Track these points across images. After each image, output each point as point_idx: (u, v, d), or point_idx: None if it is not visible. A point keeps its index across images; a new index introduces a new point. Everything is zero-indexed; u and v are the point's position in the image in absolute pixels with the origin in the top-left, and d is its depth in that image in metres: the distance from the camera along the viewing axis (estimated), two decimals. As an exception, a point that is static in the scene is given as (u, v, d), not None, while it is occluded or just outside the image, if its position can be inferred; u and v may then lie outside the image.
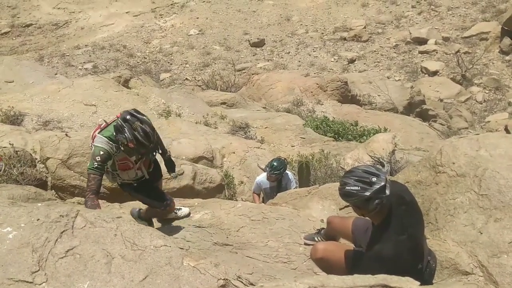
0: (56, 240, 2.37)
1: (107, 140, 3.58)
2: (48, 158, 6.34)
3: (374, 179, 2.86)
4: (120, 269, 2.37)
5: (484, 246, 3.18)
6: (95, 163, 3.54)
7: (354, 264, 3.14)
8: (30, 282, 2.25)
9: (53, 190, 6.34)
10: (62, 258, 2.33)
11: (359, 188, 2.86)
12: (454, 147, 3.82)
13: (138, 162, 3.85)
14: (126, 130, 3.47)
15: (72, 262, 2.36)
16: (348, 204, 3.23)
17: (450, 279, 3.20)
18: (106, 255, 2.39)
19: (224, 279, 2.44)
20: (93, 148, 3.63)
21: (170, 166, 4.40)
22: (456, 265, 3.21)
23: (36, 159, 6.41)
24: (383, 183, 2.88)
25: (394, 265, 2.90)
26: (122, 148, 3.58)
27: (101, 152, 3.54)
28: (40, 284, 2.24)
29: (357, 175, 2.91)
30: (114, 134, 3.56)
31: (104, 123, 3.78)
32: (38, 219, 2.45)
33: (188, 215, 4.57)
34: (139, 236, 2.49)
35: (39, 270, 2.30)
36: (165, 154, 4.25)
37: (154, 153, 3.98)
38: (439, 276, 3.26)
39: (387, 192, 2.89)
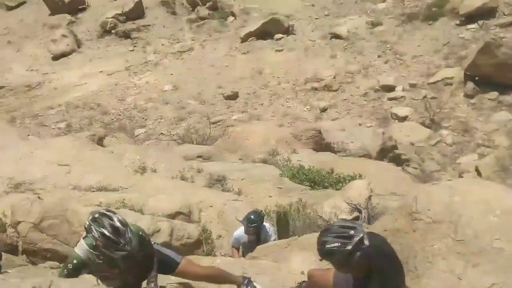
0: (28, 314, 2.26)
1: (88, 249, 3.26)
2: (19, 222, 6.18)
3: (352, 232, 2.87)
4: None
5: (465, 292, 3.18)
6: (65, 271, 3.29)
7: None
8: None
9: (24, 255, 6.13)
10: (34, 333, 2.21)
11: (339, 244, 2.84)
12: (428, 193, 3.89)
13: (123, 273, 3.35)
14: (93, 228, 3.17)
15: (44, 337, 2.25)
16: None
17: (434, 328, 3.17)
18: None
19: None
20: (71, 253, 3.40)
21: None
22: (439, 313, 3.19)
23: (7, 223, 6.23)
24: (361, 235, 2.89)
25: None
26: (101, 259, 3.22)
27: (75, 261, 3.27)
28: None
29: (335, 232, 2.90)
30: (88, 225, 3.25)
31: None
32: (9, 293, 2.34)
33: None
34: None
35: None
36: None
37: (152, 267, 3.53)
38: (422, 325, 3.22)
39: (366, 242, 2.89)
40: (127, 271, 3.35)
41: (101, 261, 3.23)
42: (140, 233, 3.50)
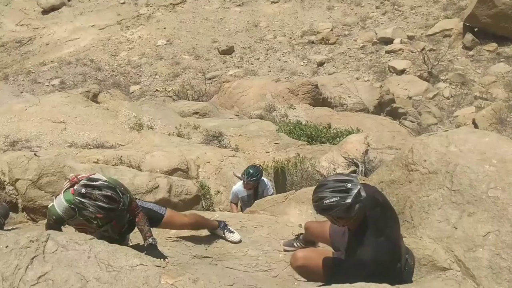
0: (27, 266, 2.28)
1: (66, 205, 3.32)
2: (17, 180, 6.18)
3: (349, 185, 2.87)
4: (96, 292, 2.31)
5: (460, 241, 3.23)
6: (50, 222, 3.42)
7: (334, 271, 3.14)
8: (2, 313, 2.16)
9: (24, 212, 6.17)
10: (34, 285, 2.24)
11: (338, 198, 2.84)
12: (425, 144, 3.88)
13: (102, 227, 3.45)
14: (87, 205, 3.17)
15: (45, 289, 2.28)
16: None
17: (428, 276, 3.24)
18: (81, 279, 2.32)
19: (203, 295, 2.39)
20: (50, 205, 3.44)
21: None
22: (434, 261, 3.25)
23: (5, 181, 6.23)
24: (358, 186, 2.90)
25: (375, 268, 2.92)
26: (82, 216, 3.30)
27: (54, 217, 3.36)
28: (12, 314, 2.15)
29: (331, 186, 2.89)
30: (75, 201, 3.27)
31: (74, 177, 3.50)
32: (7, 246, 2.36)
33: (236, 242, 4.22)
34: (113, 257, 2.42)
35: (10, 299, 2.21)
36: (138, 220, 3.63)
37: (127, 216, 3.59)
38: (417, 273, 3.29)
39: (363, 194, 2.91)
40: (107, 226, 3.44)
41: (81, 218, 3.30)
42: (122, 188, 3.50)
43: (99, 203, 3.16)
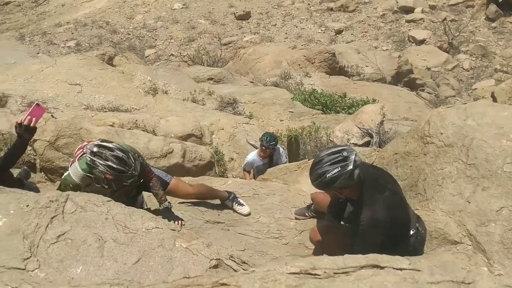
0: (47, 225, 2.34)
1: (82, 173, 3.35)
2: (35, 140, 6.27)
3: (345, 153, 2.89)
4: (113, 253, 2.37)
5: (472, 215, 3.22)
6: (66, 190, 3.32)
7: (352, 240, 3.15)
8: (23, 269, 2.24)
9: (42, 173, 6.30)
10: (53, 243, 2.31)
11: (339, 169, 2.86)
12: (442, 117, 3.82)
13: (116, 192, 3.47)
14: (97, 163, 3.21)
15: (64, 247, 2.35)
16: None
17: (439, 249, 3.25)
18: (98, 239, 2.38)
19: (216, 259, 2.44)
20: (66, 174, 3.44)
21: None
22: (445, 234, 3.26)
23: (23, 141, 6.32)
24: (354, 152, 2.92)
25: (390, 227, 2.94)
26: (98, 183, 3.34)
27: (71, 185, 3.34)
28: (32, 271, 2.22)
29: (329, 160, 2.90)
30: (85, 159, 3.32)
31: (86, 143, 3.53)
32: (28, 205, 2.41)
33: (245, 215, 4.25)
34: (130, 219, 2.48)
35: (31, 256, 2.28)
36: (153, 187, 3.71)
37: (137, 180, 3.59)
38: (428, 246, 3.31)
39: (358, 159, 2.95)
40: (120, 189, 3.46)
41: (97, 184, 3.35)
42: (135, 154, 3.53)
43: (109, 163, 3.20)
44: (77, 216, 2.40)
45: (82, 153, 3.46)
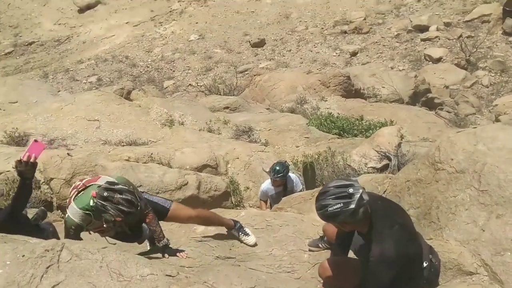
0: (42, 276, 2.33)
1: (81, 212, 3.38)
2: (51, 179, 6.39)
3: (351, 190, 2.83)
4: (107, 302, 2.34)
5: (487, 244, 3.11)
6: (70, 232, 3.42)
7: (363, 276, 3.07)
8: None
9: (59, 210, 6.38)
10: (48, 295, 2.30)
11: (341, 205, 2.81)
12: (452, 142, 3.74)
13: (118, 226, 3.50)
14: (109, 208, 3.24)
15: (58, 299, 2.33)
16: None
17: (454, 280, 3.14)
18: (91, 289, 2.35)
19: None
20: (66, 217, 3.47)
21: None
22: (460, 265, 3.15)
23: (40, 180, 6.46)
24: (360, 190, 2.85)
25: (401, 262, 2.85)
26: (98, 220, 3.38)
27: (73, 227, 3.39)
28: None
29: (334, 193, 2.85)
30: (91, 205, 3.35)
31: (80, 184, 3.58)
32: (23, 255, 2.42)
33: (251, 245, 4.18)
34: (125, 266, 2.46)
35: (26, 308, 2.27)
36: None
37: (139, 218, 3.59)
38: (443, 278, 3.20)
39: (366, 197, 2.86)
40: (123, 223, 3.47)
41: (97, 220, 3.37)
42: (132, 188, 3.55)
43: (120, 206, 3.23)
44: (72, 264, 2.40)
45: (76, 192, 3.49)
